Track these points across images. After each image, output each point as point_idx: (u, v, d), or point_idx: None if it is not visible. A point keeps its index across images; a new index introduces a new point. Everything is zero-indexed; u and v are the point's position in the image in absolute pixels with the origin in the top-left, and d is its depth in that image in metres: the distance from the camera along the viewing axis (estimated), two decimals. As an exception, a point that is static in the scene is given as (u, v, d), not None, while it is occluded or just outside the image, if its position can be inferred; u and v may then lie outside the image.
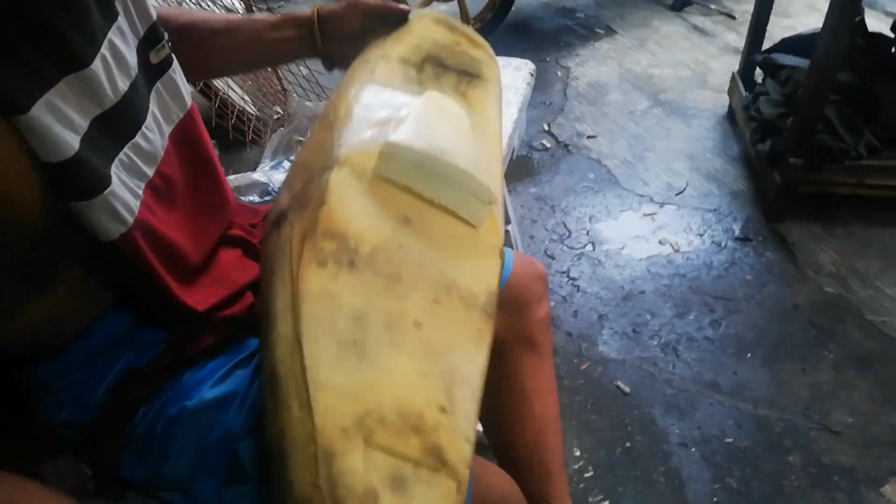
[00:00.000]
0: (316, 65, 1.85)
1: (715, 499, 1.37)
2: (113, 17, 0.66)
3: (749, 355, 1.66)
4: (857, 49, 1.98)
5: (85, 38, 0.62)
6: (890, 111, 1.94)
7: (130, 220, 0.65)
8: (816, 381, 1.59)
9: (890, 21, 2.17)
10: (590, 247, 1.99)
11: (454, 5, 2.96)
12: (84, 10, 0.62)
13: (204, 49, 0.90)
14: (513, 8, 2.98)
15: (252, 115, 2.33)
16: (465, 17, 2.94)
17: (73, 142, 0.59)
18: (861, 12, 2.01)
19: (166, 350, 0.77)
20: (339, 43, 0.91)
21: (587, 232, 2.04)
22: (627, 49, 2.99)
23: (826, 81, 1.79)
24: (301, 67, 2.26)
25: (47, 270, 0.65)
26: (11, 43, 0.55)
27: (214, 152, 0.85)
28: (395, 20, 0.91)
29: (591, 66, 2.88)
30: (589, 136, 2.44)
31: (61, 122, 0.58)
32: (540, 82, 2.55)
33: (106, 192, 0.62)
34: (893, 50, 2.06)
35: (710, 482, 1.40)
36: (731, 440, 1.48)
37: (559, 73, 2.82)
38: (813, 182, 1.95)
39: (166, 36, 0.75)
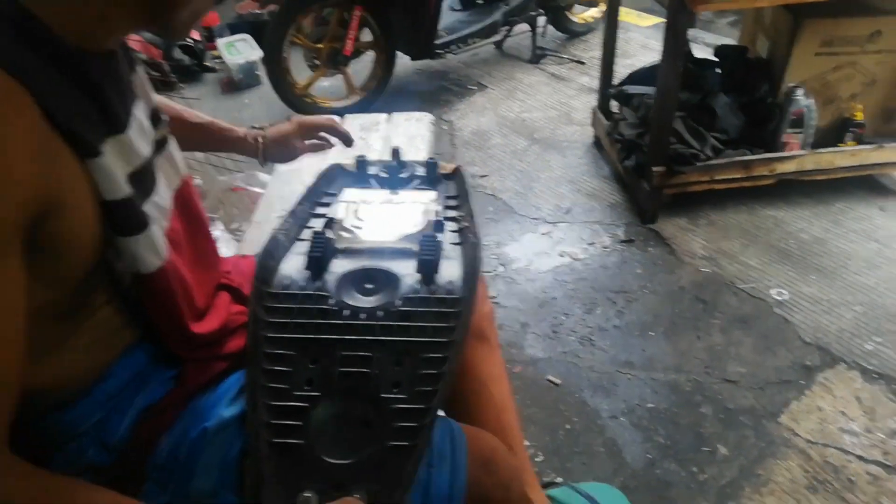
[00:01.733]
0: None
1: (649, 455, 1.57)
2: (134, 96, 0.78)
3: (652, 333, 1.91)
4: (690, 73, 2.37)
5: (123, 108, 0.73)
6: (725, 118, 2.33)
7: (165, 255, 0.76)
8: (710, 344, 1.86)
9: (710, 51, 2.61)
10: (501, 268, 2.21)
11: (339, 78, 3.20)
12: (124, 83, 0.74)
13: (179, 137, 1.03)
14: (392, 76, 3.24)
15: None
16: (350, 88, 3.18)
17: (125, 184, 0.69)
18: (687, 44, 2.41)
19: (178, 383, 0.84)
20: (276, 150, 1.23)
21: (496, 256, 2.26)
22: (499, 99, 3.33)
23: (670, 101, 2.14)
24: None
25: (85, 309, 0.73)
26: (79, 100, 0.65)
27: (207, 218, 0.97)
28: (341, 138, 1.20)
29: (471, 117, 3.19)
30: (482, 176, 2.69)
31: (116, 168, 0.68)
32: (429, 136, 2.80)
33: (147, 230, 0.72)
34: (718, 71, 2.48)
35: (641, 443, 1.60)
36: (651, 405, 1.70)
37: (444, 127, 3.09)
38: (674, 185, 2.28)
39: (164, 117, 0.86)
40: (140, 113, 0.77)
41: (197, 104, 2.34)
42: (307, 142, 1.26)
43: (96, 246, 0.68)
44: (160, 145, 0.84)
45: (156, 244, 0.74)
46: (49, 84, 0.62)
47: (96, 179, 0.66)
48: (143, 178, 0.75)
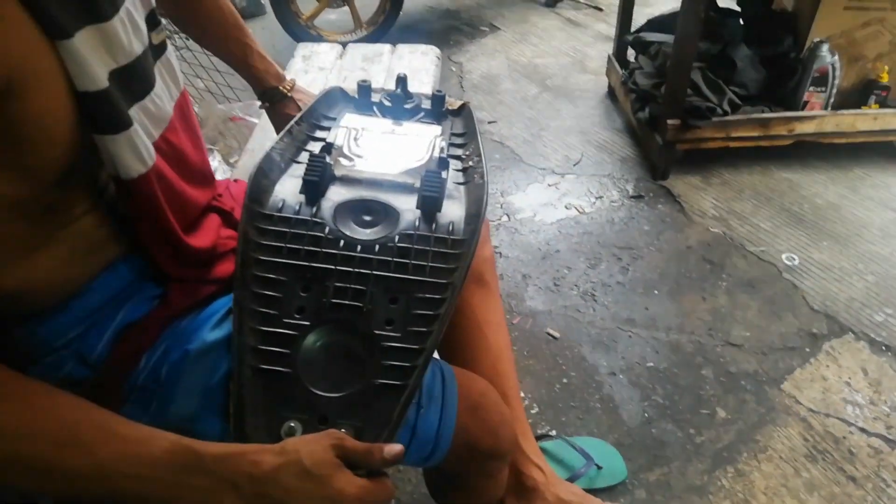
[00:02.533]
0: (227, 66, 1.89)
1: (645, 414, 1.54)
2: None
3: (656, 292, 1.85)
4: (711, 22, 2.26)
5: None
6: (745, 72, 2.23)
7: (150, 162, 0.70)
8: (715, 305, 1.81)
9: (732, 3, 2.48)
10: (505, 218, 2.14)
11: (345, 10, 3.07)
12: None
13: (200, 23, 1.07)
14: (401, 12, 3.11)
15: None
16: (357, 21, 3.04)
17: (103, 76, 0.63)
18: (711, -9, 2.29)
19: (163, 303, 0.80)
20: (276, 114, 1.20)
21: (501, 205, 2.19)
22: (511, 43, 3.20)
23: (689, 51, 2.03)
24: (213, 72, 2.26)
25: (62, 214, 0.67)
26: None
27: (201, 133, 0.91)
28: None
29: (481, 60, 3.07)
30: (490, 122, 2.60)
31: (92, 58, 0.62)
32: (436, 77, 2.69)
33: (130, 129, 0.66)
34: (740, 21, 2.36)
35: (639, 401, 1.57)
36: (651, 364, 1.65)
37: (453, 69, 2.98)
38: (689, 140, 2.19)
39: (163, 22, 0.80)
40: (132, 6, 0.70)
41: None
42: None
43: (71, 140, 0.62)
44: (158, 51, 0.78)
45: (138, 148, 0.68)
46: None
47: (68, 65, 0.59)
48: (131, 79, 0.69)
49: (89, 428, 0.60)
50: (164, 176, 0.74)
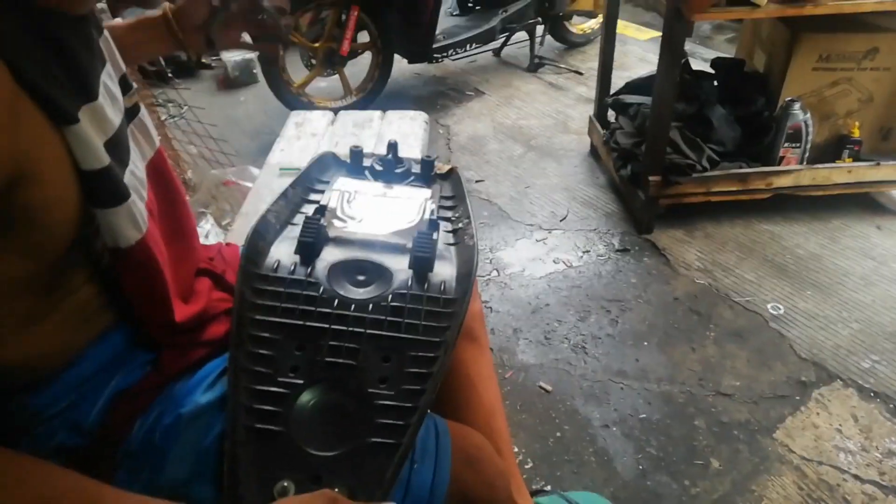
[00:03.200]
0: (221, 131, 1.94)
1: (640, 466, 1.54)
2: (103, 62, 0.74)
3: (646, 343, 1.88)
4: (686, 84, 2.36)
5: (94, 75, 0.69)
6: (721, 130, 2.31)
7: (144, 228, 0.72)
8: (704, 356, 1.83)
9: (706, 65, 2.60)
10: (495, 273, 2.17)
11: (335, 78, 3.17)
12: (94, 50, 0.70)
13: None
14: (389, 79, 3.22)
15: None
16: (346, 88, 3.15)
17: (104, 153, 0.66)
18: (685, 55, 2.40)
19: (155, 368, 0.80)
20: (194, 31, 0.99)
21: (490, 261, 2.23)
22: (496, 106, 3.31)
23: (667, 111, 2.12)
24: (206, 138, 2.32)
25: (62, 287, 0.69)
26: (52, 67, 0.61)
27: (183, 190, 0.93)
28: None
29: (468, 122, 3.16)
30: (477, 181, 2.67)
31: (93, 138, 0.64)
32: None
33: (128, 200, 0.69)
34: (714, 83, 2.47)
35: (633, 454, 1.57)
36: (644, 416, 1.66)
37: (441, 131, 3.07)
38: (670, 195, 2.26)
39: (135, 85, 0.83)
40: (108, 80, 0.74)
41: (192, 100, 2.30)
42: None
43: (75, 218, 0.65)
44: (131, 113, 0.80)
45: (135, 216, 0.70)
46: (19, 46, 0.58)
47: (73, 148, 0.62)
48: (118, 148, 0.71)
49: (75, 500, 0.60)
50: (157, 239, 0.76)
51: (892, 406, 1.66)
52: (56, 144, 0.61)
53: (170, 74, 3.44)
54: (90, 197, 0.65)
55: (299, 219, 0.90)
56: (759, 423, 1.63)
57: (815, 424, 1.62)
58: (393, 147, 1.05)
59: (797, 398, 1.69)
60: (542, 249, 2.28)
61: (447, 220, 0.97)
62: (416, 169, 1.06)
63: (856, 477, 1.49)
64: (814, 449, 1.56)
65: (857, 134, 2.35)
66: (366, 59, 3.19)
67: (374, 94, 3.19)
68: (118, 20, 1.01)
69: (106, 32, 0.78)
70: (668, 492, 1.47)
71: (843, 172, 2.30)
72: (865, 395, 1.70)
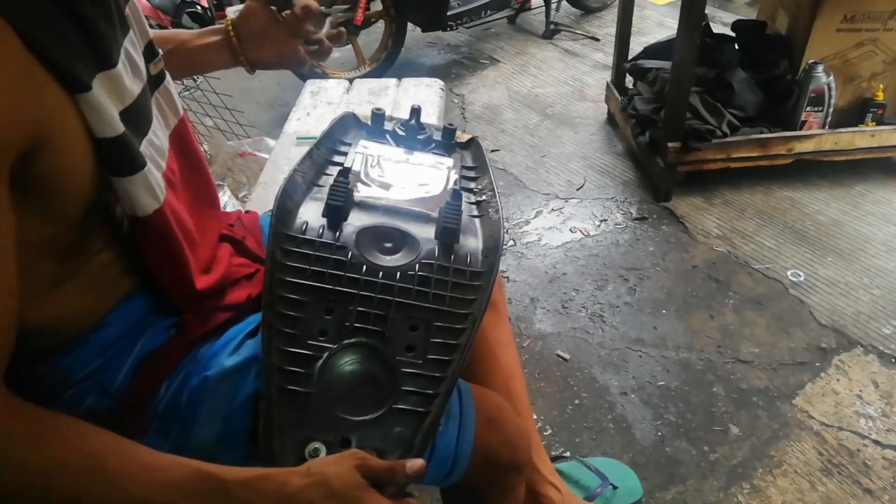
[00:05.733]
0: (236, 103, 1.94)
1: (659, 433, 1.54)
2: (126, 29, 0.74)
3: (664, 312, 1.87)
4: (707, 47, 2.31)
5: (114, 41, 0.69)
6: (742, 95, 2.27)
7: (162, 197, 0.72)
8: (723, 323, 1.82)
9: (727, 29, 2.55)
10: (511, 242, 2.16)
11: (349, 49, 3.14)
12: (113, 16, 0.69)
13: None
14: (403, 48, 3.19)
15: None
16: (360, 59, 3.12)
17: (118, 122, 0.66)
18: (705, 17, 2.35)
19: (179, 332, 0.81)
20: (253, 42, 1.04)
21: (507, 230, 2.22)
22: (511, 74, 3.27)
23: (687, 75, 2.08)
24: (222, 110, 2.31)
25: (82, 252, 0.70)
26: (65, 34, 0.61)
27: (205, 159, 0.94)
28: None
29: (483, 91, 3.13)
30: (493, 150, 2.65)
31: (107, 105, 0.64)
32: (439, 109, 2.75)
33: (144, 169, 0.69)
34: (735, 46, 2.42)
35: (652, 420, 1.57)
36: (662, 383, 1.66)
37: (455, 101, 3.04)
38: (689, 162, 2.23)
39: (161, 52, 0.83)
40: (131, 47, 0.73)
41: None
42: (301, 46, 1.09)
43: (92, 184, 0.65)
44: (156, 81, 0.81)
45: (152, 185, 0.70)
46: (31, 15, 0.57)
47: (87, 116, 0.62)
48: (136, 116, 0.72)
49: (115, 459, 0.61)
50: (176, 209, 0.76)
51: (913, 372, 1.65)
52: (70, 112, 0.61)
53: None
54: (105, 164, 0.66)
55: (324, 180, 0.90)
56: (779, 390, 1.63)
57: (835, 390, 1.62)
58: (416, 113, 1.04)
59: (817, 364, 1.69)
60: (558, 219, 2.27)
61: (470, 191, 0.96)
62: (438, 136, 1.05)
63: (876, 442, 1.49)
64: (834, 415, 1.56)
65: (881, 97, 2.30)
66: (379, 28, 3.16)
67: (388, 64, 3.17)
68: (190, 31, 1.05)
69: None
70: (686, 458, 1.48)
71: (866, 136, 2.26)
72: (886, 360, 1.68)
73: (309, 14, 1.05)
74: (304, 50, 1.08)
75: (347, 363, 0.73)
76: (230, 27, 1.04)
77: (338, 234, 0.81)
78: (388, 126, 1.03)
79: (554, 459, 1.40)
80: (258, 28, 1.04)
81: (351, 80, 2.02)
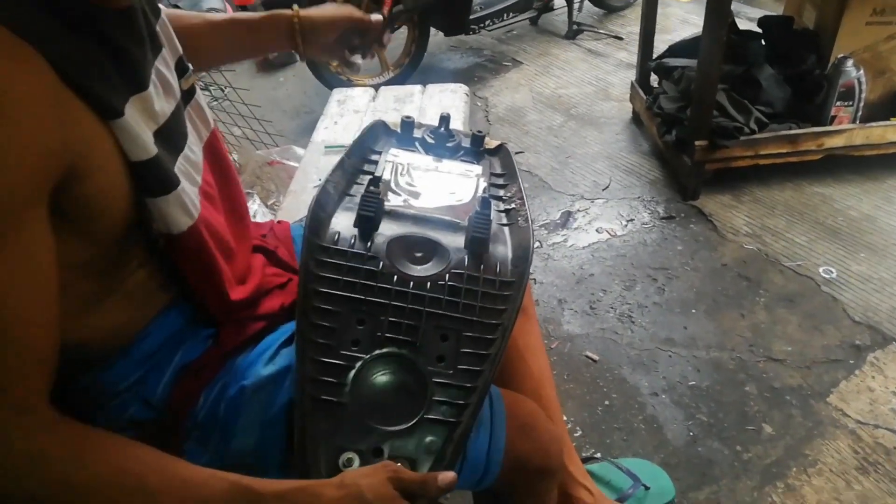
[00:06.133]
0: (263, 112, 1.95)
1: (690, 433, 1.54)
2: (158, 48, 0.76)
3: (694, 311, 1.86)
4: (733, 44, 2.29)
5: (144, 65, 0.71)
6: (770, 91, 2.25)
7: (195, 214, 0.75)
8: (754, 322, 1.81)
9: (753, 24, 2.52)
10: (537, 244, 2.17)
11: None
12: (144, 39, 0.72)
13: (212, 47, 1.02)
14: (426, 52, 3.21)
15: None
16: (384, 65, 3.15)
17: (151, 144, 0.68)
18: (731, 13, 2.33)
19: (215, 343, 0.84)
20: (315, 47, 1.07)
21: (532, 232, 2.22)
22: (535, 75, 3.28)
23: (713, 73, 2.07)
24: (250, 119, 2.35)
25: (121, 269, 0.72)
26: (97, 62, 0.63)
27: (235, 169, 0.96)
28: (372, 36, 1.07)
29: (506, 93, 3.14)
30: (517, 153, 2.65)
31: (140, 128, 0.67)
32: (463, 112, 2.76)
33: (178, 188, 0.71)
34: (762, 42, 2.39)
35: (683, 420, 1.57)
36: (693, 383, 1.66)
37: (479, 104, 3.05)
38: (717, 160, 2.21)
39: (191, 67, 0.86)
40: (163, 66, 0.76)
41: (233, 81, 2.34)
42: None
43: (129, 206, 0.68)
44: (187, 96, 0.83)
45: (185, 203, 0.72)
46: (63, 45, 0.59)
47: (121, 140, 0.64)
48: (171, 135, 0.74)
49: (154, 475, 0.63)
50: (211, 223, 0.79)
51: (952, 369, 1.62)
52: (105, 138, 0.63)
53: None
54: (139, 186, 0.68)
55: (355, 189, 0.91)
56: (812, 388, 1.61)
57: (870, 388, 1.60)
58: (445, 120, 1.05)
59: (851, 362, 1.66)
60: (584, 219, 2.27)
61: (499, 198, 0.97)
62: (466, 143, 1.06)
63: (914, 441, 1.47)
64: (869, 413, 1.54)
65: (913, 90, 2.26)
66: (402, 33, 3.18)
67: (411, 69, 3.19)
68: (245, 14, 1.06)
69: (164, 16, 0.80)
70: (719, 457, 1.47)
71: (898, 130, 2.22)
72: (923, 358, 1.66)
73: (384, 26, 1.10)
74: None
75: (379, 373, 0.75)
76: (298, 32, 1.03)
77: (369, 244, 0.82)
78: (417, 133, 1.05)
79: (585, 461, 1.41)
80: (324, 42, 1.07)
81: (376, 87, 2.05)
